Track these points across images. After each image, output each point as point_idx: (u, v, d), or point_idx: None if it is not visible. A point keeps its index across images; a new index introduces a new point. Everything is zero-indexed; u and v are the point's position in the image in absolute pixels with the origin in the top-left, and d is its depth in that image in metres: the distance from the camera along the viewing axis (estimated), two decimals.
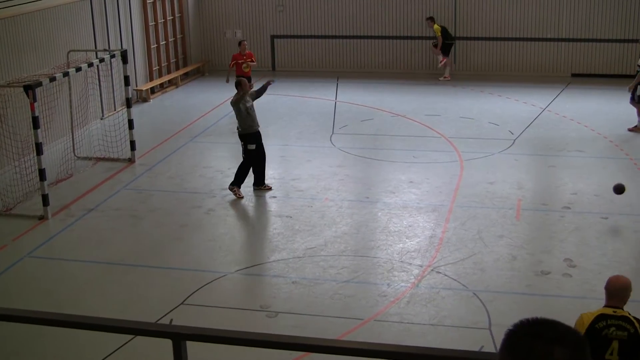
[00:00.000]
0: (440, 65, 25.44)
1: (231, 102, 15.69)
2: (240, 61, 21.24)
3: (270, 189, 15.85)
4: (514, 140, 18.79)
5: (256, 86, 18.26)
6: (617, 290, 7.33)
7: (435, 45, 25.27)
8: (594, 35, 25.03)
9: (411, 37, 26.00)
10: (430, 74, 25.63)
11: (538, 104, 21.85)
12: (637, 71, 19.23)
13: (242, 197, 15.48)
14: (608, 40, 24.84)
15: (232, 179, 16.27)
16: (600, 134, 18.96)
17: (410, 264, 12.53)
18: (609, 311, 7.27)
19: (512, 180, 16.17)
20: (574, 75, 25.31)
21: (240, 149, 15.76)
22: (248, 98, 15.56)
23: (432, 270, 12.30)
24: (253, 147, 15.55)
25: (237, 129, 15.63)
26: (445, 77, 25.29)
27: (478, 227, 13.84)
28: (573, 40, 25.21)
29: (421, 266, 12.44)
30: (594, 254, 12.91)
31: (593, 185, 15.11)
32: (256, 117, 15.65)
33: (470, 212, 14.53)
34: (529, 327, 2.96)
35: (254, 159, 15.60)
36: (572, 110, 21.25)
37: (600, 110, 20.85)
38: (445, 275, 12.11)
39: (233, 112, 16.13)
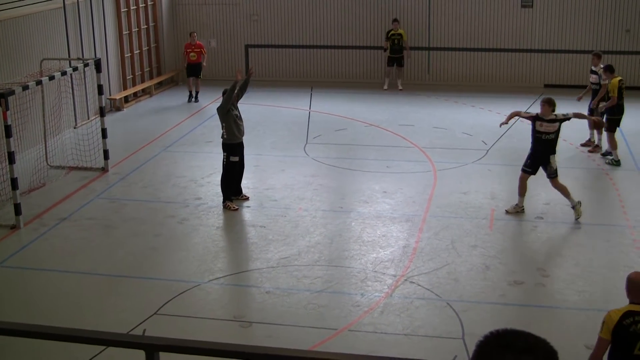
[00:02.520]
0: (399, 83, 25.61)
1: (218, 109, 15.51)
2: (188, 50, 24.60)
3: (247, 198, 15.82)
4: (487, 150, 18.90)
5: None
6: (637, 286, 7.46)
7: (402, 51, 25.28)
8: (567, 47, 25.25)
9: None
10: (405, 84, 25.66)
11: None
12: (597, 88, 18.89)
13: (237, 209, 15.41)
14: (580, 52, 25.04)
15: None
16: (572, 144, 19.08)
17: (384, 273, 12.55)
18: (636, 308, 7.40)
19: (485, 190, 16.25)
20: (546, 85, 25.49)
21: (222, 157, 15.64)
22: (236, 105, 15.45)
23: (405, 280, 12.32)
24: (236, 159, 15.48)
25: (222, 136, 15.49)
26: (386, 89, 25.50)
27: (451, 237, 13.89)
28: (546, 51, 25.41)
29: (395, 276, 12.45)
30: (566, 263, 12.99)
31: None
32: (243, 126, 15.59)
33: (443, 222, 14.58)
34: (500, 338, 2.98)
35: (233, 170, 15.54)
36: None
37: (571, 120, 20.92)
38: (419, 285, 12.13)
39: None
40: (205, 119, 22.06)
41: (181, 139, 20.39)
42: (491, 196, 15.91)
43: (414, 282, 12.23)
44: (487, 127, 20.84)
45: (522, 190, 14.92)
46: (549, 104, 14.68)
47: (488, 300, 11.75)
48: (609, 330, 7.39)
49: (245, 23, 27.04)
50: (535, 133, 14.75)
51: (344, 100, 24.19)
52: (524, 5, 25.20)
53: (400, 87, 25.40)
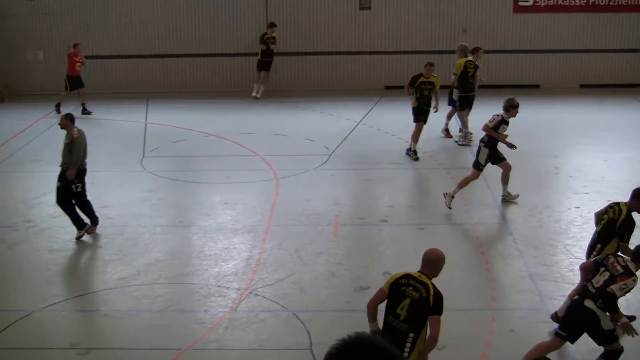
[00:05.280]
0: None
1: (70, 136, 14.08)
2: (76, 60, 23.53)
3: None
4: (330, 155, 18.74)
5: None
6: (428, 260, 8.60)
7: (272, 55, 24.85)
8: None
9: (225, 55, 25.65)
10: (242, 91, 25.25)
11: (353, 118, 21.93)
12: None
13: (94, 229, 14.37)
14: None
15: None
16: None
17: (228, 288, 12.20)
18: (416, 274, 8.49)
19: (329, 196, 16.06)
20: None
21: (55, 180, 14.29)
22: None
23: (250, 293, 12.02)
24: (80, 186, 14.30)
25: (61, 166, 14.11)
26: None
27: (295, 246, 13.64)
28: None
29: (239, 290, 12.12)
30: (412, 265, 12.81)
31: (409, 196, 15.23)
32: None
33: (287, 231, 14.32)
34: (348, 347, 3.10)
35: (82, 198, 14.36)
36: (386, 123, 21.42)
37: (405, 121, 20.89)
38: (264, 297, 11.84)
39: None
40: (32, 138, 20.88)
41: (8, 158, 19.26)
42: (335, 202, 15.73)
43: (258, 295, 11.93)
44: (329, 131, 20.72)
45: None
46: None
47: (335, 308, 11.63)
48: (388, 284, 8.53)
49: (79, 33, 25.83)
50: None
51: (182, 111, 23.57)
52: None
53: (258, 95, 24.79)
